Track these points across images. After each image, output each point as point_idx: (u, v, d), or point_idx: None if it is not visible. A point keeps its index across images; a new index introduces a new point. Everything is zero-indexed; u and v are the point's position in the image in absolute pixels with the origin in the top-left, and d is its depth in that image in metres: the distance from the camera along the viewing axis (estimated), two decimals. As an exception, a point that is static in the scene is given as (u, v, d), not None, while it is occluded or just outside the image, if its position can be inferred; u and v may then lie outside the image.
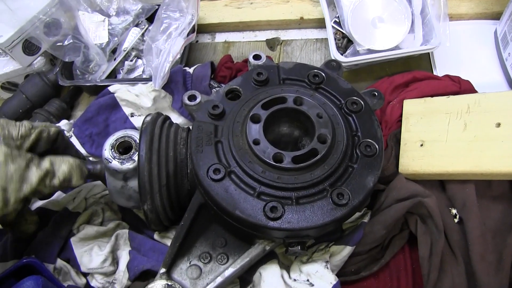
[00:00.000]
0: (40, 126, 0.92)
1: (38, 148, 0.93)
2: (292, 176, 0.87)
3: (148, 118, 1.00)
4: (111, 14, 1.47)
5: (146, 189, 0.93)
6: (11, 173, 0.83)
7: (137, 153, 0.95)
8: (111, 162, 0.96)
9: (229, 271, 0.91)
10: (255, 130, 0.91)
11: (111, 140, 0.99)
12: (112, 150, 0.97)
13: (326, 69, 1.06)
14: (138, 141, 0.97)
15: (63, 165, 0.91)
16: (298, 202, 0.86)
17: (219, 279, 0.90)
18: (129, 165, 0.96)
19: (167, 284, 0.88)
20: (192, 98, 1.00)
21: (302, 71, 1.04)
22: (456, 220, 1.02)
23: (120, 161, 0.96)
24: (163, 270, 0.91)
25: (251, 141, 0.89)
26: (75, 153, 1.02)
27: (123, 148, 0.99)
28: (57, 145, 0.97)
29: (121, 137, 0.99)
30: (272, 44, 1.50)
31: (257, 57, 1.07)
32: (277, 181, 0.87)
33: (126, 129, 1.01)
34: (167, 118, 1.06)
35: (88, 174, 0.98)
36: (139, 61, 1.45)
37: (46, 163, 0.89)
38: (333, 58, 1.25)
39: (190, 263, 0.93)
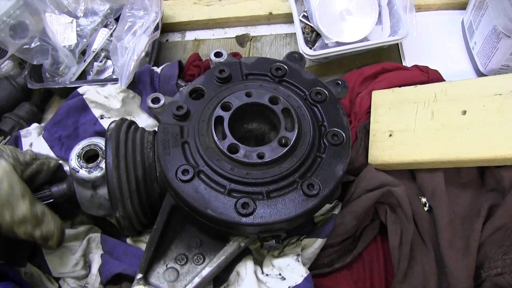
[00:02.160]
0: (41, 157, 0.95)
1: (38, 179, 0.96)
2: (261, 171, 0.88)
3: (113, 125, 0.99)
4: (79, 15, 1.45)
5: (117, 196, 0.93)
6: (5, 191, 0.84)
7: (104, 160, 0.94)
8: (78, 172, 0.96)
9: (206, 270, 0.91)
10: (221, 128, 0.91)
11: (76, 149, 0.99)
12: (79, 159, 0.97)
13: (289, 62, 1.07)
14: (104, 148, 0.96)
15: (52, 223, 0.92)
16: (269, 196, 0.87)
17: (196, 280, 0.90)
18: (97, 173, 0.96)
19: None
20: (155, 100, 0.99)
21: (265, 65, 1.05)
22: (426, 209, 1.03)
23: (87, 170, 0.96)
24: (139, 275, 0.90)
25: (218, 139, 0.89)
26: (69, 185, 1.02)
27: (90, 156, 0.99)
28: (56, 178, 1.00)
29: (87, 146, 0.99)
30: (242, 40, 1.50)
31: (218, 54, 1.07)
32: (247, 177, 0.87)
33: (92, 137, 1.02)
34: (132, 123, 1.05)
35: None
36: (109, 62, 1.44)
37: (39, 208, 0.89)
38: (301, 52, 1.25)
39: (166, 266, 0.93)
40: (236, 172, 0.87)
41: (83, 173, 0.96)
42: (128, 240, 1.06)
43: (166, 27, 1.54)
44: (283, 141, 0.90)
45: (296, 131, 0.90)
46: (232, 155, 0.88)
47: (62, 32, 1.42)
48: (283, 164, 0.89)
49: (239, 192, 0.87)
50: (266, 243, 0.88)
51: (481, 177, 1.06)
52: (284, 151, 0.88)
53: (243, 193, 0.87)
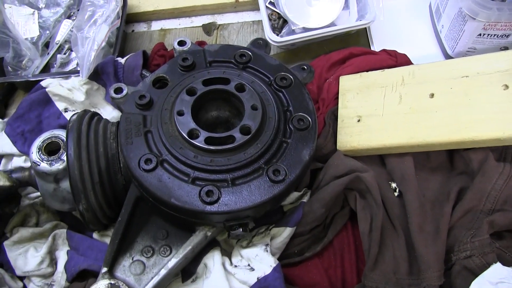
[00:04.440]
0: None
1: None
2: (225, 158, 0.86)
3: (74, 117, 0.97)
4: (40, 7, 1.42)
5: (79, 188, 0.90)
6: None
7: (66, 152, 0.92)
8: (39, 165, 0.93)
9: (173, 262, 0.89)
10: (183, 116, 0.89)
11: (37, 142, 0.96)
12: (40, 152, 0.95)
13: (253, 48, 1.05)
14: (65, 140, 0.94)
15: None
16: (234, 183, 0.86)
17: (163, 271, 0.88)
18: (58, 166, 0.93)
19: (110, 283, 0.85)
20: (118, 90, 0.97)
21: (229, 52, 1.03)
22: (396, 194, 1.03)
23: (48, 162, 0.93)
24: (104, 269, 0.88)
25: (180, 126, 0.87)
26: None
27: (52, 149, 0.96)
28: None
29: (48, 138, 0.97)
30: (208, 29, 1.48)
31: (181, 43, 1.05)
32: (210, 164, 0.86)
33: (53, 129, 0.99)
34: (94, 114, 1.02)
35: (17, 183, 0.97)
36: (73, 54, 1.40)
37: None
38: (267, 38, 1.24)
39: (132, 259, 0.90)
40: (199, 159, 0.86)
41: (44, 166, 0.93)
42: (95, 235, 1.03)
43: (131, 17, 1.51)
44: (247, 127, 0.88)
45: (260, 116, 0.89)
46: (194, 142, 0.86)
47: (23, 24, 1.38)
48: (247, 150, 0.87)
49: (203, 180, 0.85)
50: (233, 232, 0.87)
51: (450, 160, 1.05)
52: (248, 137, 0.87)
53: (208, 181, 0.85)
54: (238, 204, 0.83)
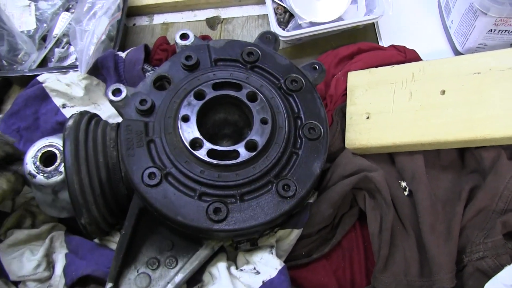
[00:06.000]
0: None
1: None
2: (233, 173, 0.83)
3: (70, 122, 0.90)
4: (37, -2, 1.37)
5: (80, 203, 0.85)
6: None
7: (63, 164, 0.86)
8: (35, 177, 0.88)
9: (179, 276, 0.86)
10: (188, 126, 0.86)
11: (32, 152, 0.90)
12: (35, 162, 0.89)
13: (261, 44, 1.01)
14: (62, 149, 0.88)
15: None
16: (243, 199, 0.83)
17: (169, 286, 0.86)
18: (56, 178, 0.89)
19: None
20: (116, 92, 0.91)
21: (235, 48, 0.98)
22: (406, 193, 1.01)
23: (45, 175, 0.88)
24: (109, 285, 0.85)
25: (185, 138, 0.84)
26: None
27: (47, 158, 0.91)
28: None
29: (43, 147, 0.91)
30: (212, 23, 1.44)
31: (184, 36, 1.00)
32: (218, 179, 0.83)
33: (48, 136, 0.94)
34: (92, 117, 0.96)
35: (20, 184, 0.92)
36: (72, 48, 1.36)
37: None
38: (273, 33, 1.20)
39: (138, 272, 0.87)
40: (206, 174, 0.82)
41: (40, 178, 0.88)
42: (96, 239, 0.99)
43: (132, 11, 1.46)
44: (253, 142, 0.85)
45: (269, 130, 0.86)
46: (200, 156, 0.83)
47: (19, 16, 1.34)
48: (256, 164, 0.84)
49: (210, 195, 0.83)
50: (240, 245, 0.86)
51: (462, 158, 1.04)
52: (253, 153, 0.84)
53: (215, 197, 0.82)
54: (246, 222, 0.81)
